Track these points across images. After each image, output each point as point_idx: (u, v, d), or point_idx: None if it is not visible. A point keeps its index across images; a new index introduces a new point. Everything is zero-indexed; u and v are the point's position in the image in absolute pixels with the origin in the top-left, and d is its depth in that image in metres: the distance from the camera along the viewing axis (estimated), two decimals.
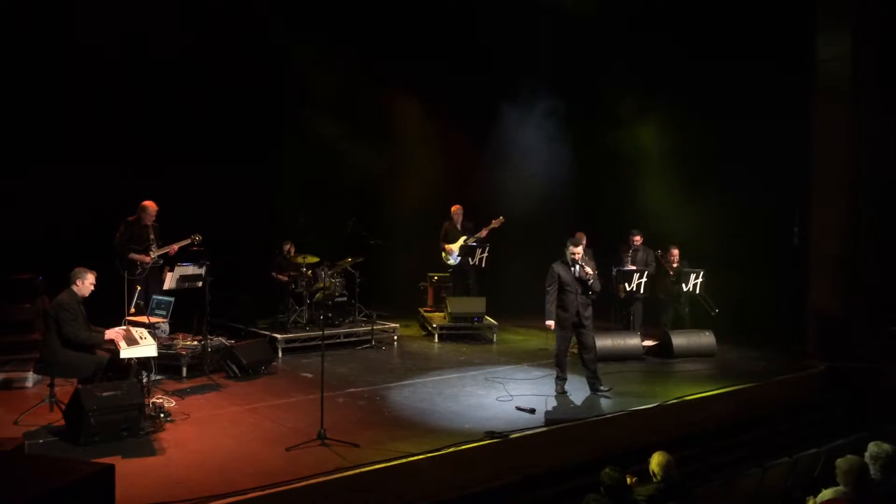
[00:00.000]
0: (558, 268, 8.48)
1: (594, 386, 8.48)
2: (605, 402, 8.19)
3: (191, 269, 8.94)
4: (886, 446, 5.44)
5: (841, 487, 5.20)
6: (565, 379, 8.54)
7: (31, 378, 8.17)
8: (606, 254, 11.00)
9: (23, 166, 9.74)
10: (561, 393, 8.44)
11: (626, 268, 10.63)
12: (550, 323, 8.46)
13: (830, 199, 10.76)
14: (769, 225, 11.95)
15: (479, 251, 11.46)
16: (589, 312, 8.54)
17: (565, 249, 8.48)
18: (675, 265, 10.84)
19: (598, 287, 8.69)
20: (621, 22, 12.30)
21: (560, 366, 8.55)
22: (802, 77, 10.96)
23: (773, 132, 11.44)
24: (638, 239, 10.93)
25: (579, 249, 8.45)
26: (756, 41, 11.49)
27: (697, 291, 10.56)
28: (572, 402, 8.16)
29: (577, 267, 8.41)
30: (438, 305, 12.22)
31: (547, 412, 7.70)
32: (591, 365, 8.52)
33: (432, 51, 12.53)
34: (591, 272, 8.43)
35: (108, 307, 8.29)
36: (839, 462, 5.26)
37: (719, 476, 6.17)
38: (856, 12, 10.60)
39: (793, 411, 8.99)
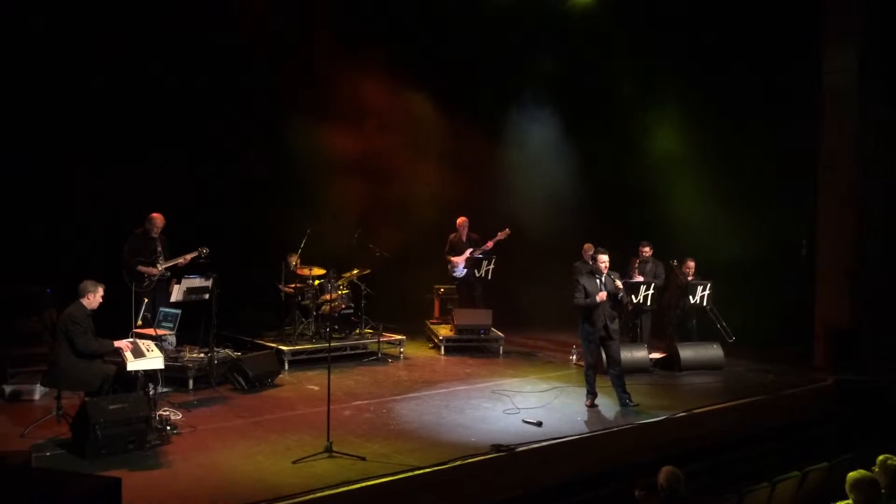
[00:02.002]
0: (584, 280, 8.40)
1: (623, 400, 8.39)
2: (612, 416, 8.15)
3: (197, 282, 8.96)
4: None
5: (850, 501, 5.16)
6: (595, 395, 8.48)
7: (38, 390, 8.18)
8: (616, 266, 10.97)
9: (29, 176, 9.81)
10: (591, 406, 8.38)
11: (633, 279, 10.59)
12: (602, 294, 8.23)
13: (837, 211, 10.75)
14: (776, 237, 11.92)
15: (485, 263, 11.45)
16: (616, 325, 8.51)
17: (591, 260, 8.39)
18: (689, 277, 10.77)
19: (625, 300, 8.68)
20: (633, 27, 12.36)
21: (589, 382, 8.46)
22: (807, 89, 10.99)
23: (779, 142, 11.45)
24: (647, 250, 10.84)
25: (606, 258, 8.38)
26: (761, 53, 11.54)
27: (705, 303, 10.51)
28: (579, 416, 8.12)
29: (605, 278, 8.34)
30: (444, 317, 12.20)
31: (553, 425, 7.66)
32: (619, 380, 8.42)
33: (442, 58, 12.55)
34: (620, 285, 8.39)
35: (115, 319, 8.29)
36: (849, 476, 5.22)
37: (728, 490, 6.12)
38: (862, 25, 10.62)
39: (802, 425, 8.93)
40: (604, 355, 8.54)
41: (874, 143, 10.75)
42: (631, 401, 8.35)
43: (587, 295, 8.29)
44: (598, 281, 8.34)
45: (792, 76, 11.32)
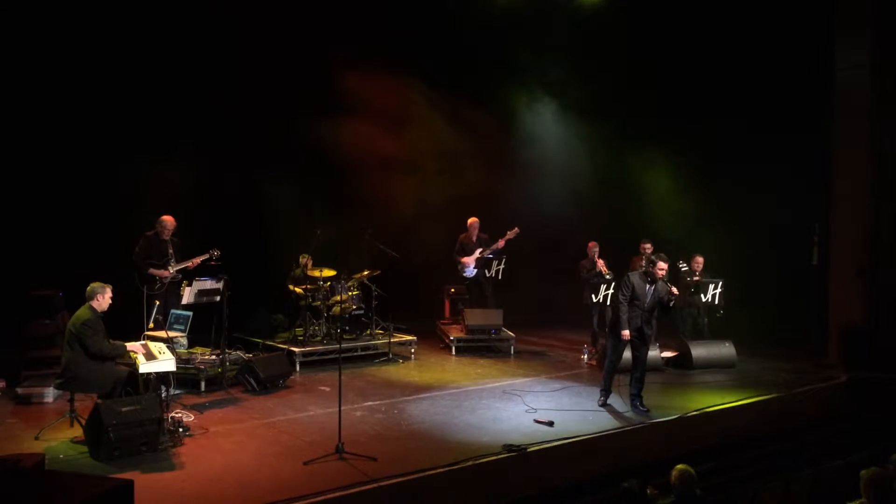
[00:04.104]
0: (634, 278, 8.29)
1: (634, 402, 8.31)
2: (625, 415, 8.12)
3: (209, 284, 8.99)
4: None
5: (864, 500, 5.13)
6: (609, 393, 8.44)
7: (51, 393, 8.22)
8: (619, 264, 10.96)
9: (40, 180, 9.87)
10: (603, 406, 8.33)
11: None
12: (627, 333, 8.17)
13: (851, 207, 10.69)
14: (789, 234, 11.85)
15: (495, 263, 11.44)
16: (650, 330, 8.41)
17: (649, 265, 8.24)
18: (698, 274, 10.72)
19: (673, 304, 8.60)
20: (639, 26, 12.34)
21: (606, 379, 8.42)
22: (821, 88, 10.94)
23: (792, 144, 11.40)
24: (648, 247, 10.76)
25: (665, 266, 8.22)
26: (774, 51, 11.50)
27: (717, 302, 10.45)
28: (591, 415, 8.10)
29: (660, 284, 8.21)
30: (455, 318, 12.19)
31: (565, 425, 7.63)
32: (638, 383, 8.34)
33: (449, 62, 12.55)
34: (676, 292, 8.28)
35: (126, 322, 8.34)
36: (863, 473, 5.19)
37: (741, 489, 6.10)
38: (873, 22, 10.56)
39: (815, 423, 8.88)
40: (630, 356, 8.47)
41: (887, 139, 10.68)
42: (643, 405, 8.28)
43: (634, 297, 8.19)
44: (647, 285, 8.24)
45: (804, 72, 11.26)
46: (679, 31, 12.14)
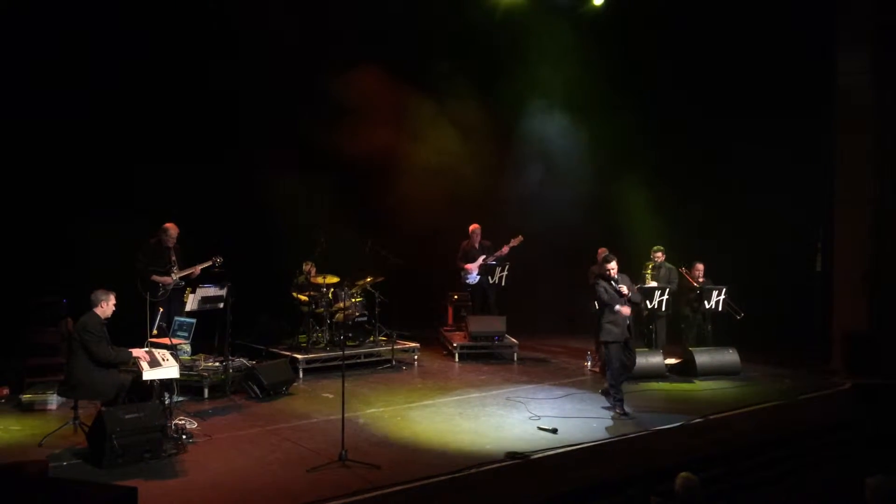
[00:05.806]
0: (604, 284, 8.48)
1: (616, 406, 8.36)
2: (628, 422, 8.09)
3: (212, 291, 9.00)
4: None
5: None
6: (623, 399, 8.40)
7: (54, 400, 8.24)
8: (628, 271, 10.94)
9: (42, 187, 9.90)
10: (623, 414, 8.24)
11: (648, 284, 10.53)
12: (626, 309, 8.42)
13: (854, 212, 10.68)
14: (792, 241, 11.84)
15: (498, 269, 11.45)
16: (630, 332, 8.54)
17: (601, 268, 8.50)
18: (700, 280, 10.73)
19: (638, 299, 8.88)
20: (638, 29, 12.37)
21: (616, 385, 8.40)
22: (823, 91, 10.95)
23: (795, 149, 11.39)
24: (660, 255, 10.80)
25: (613, 265, 8.47)
26: (776, 56, 11.51)
27: (720, 308, 10.45)
28: (595, 422, 8.07)
29: (620, 277, 8.46)
30: (458, 324, 12.19)
31: (569, 432, 7.62)
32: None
33: (452, 67, 12.57)
34: (626, 291, 8.43)
35: (130, 329, 8.35)
36: (868, 481, 5.17)
37: (746, 497, 6.07)
38: (875, 27, 10.57)
39: (820, 430, 8.84)
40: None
41: (889, 143, 10.68)
42: (622, 410, 8.25)
43: (611, 296, 8.38)
44: (611, 284, 8.42)
45: (807, 78, 11.27)
46: (679, 32, 12.15)
